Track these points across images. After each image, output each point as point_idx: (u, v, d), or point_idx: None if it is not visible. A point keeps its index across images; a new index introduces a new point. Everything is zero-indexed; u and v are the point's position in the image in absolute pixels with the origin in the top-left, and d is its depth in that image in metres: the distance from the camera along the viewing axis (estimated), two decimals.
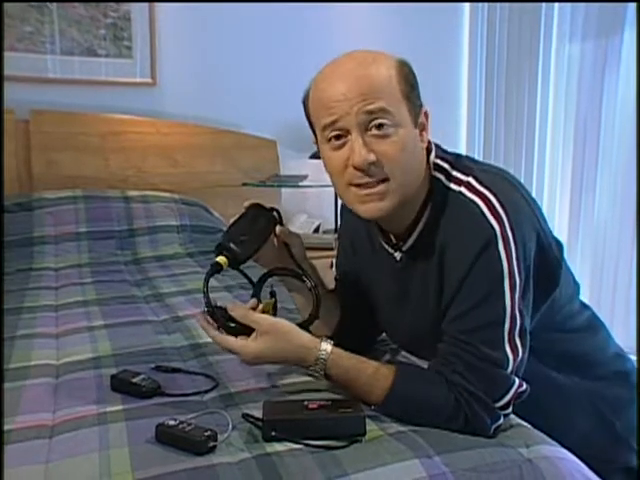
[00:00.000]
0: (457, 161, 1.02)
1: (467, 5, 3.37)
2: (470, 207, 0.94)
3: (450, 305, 0.96)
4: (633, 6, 2.47)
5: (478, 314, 0.92)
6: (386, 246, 1.09)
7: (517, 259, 0.92)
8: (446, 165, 1.01)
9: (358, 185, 0.95)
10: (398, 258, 1.07)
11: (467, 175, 0.98)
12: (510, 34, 3.12)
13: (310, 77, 1.00)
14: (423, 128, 0.99)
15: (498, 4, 3.16)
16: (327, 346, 0.97)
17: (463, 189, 0.97)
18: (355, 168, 0.93)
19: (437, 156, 1.02)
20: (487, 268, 0.91)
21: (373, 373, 0.96)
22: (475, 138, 3.38)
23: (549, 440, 0.92)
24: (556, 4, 2.87)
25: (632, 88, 2.49)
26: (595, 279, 2.71)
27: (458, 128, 3.41)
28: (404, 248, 1.05)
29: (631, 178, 2.49)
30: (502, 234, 0.91)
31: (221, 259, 1.00)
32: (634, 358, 1.32)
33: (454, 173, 1.00)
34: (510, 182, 1.00)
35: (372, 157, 0.92)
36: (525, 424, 0.97)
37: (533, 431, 0.95)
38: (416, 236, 1.02)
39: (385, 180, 0.94)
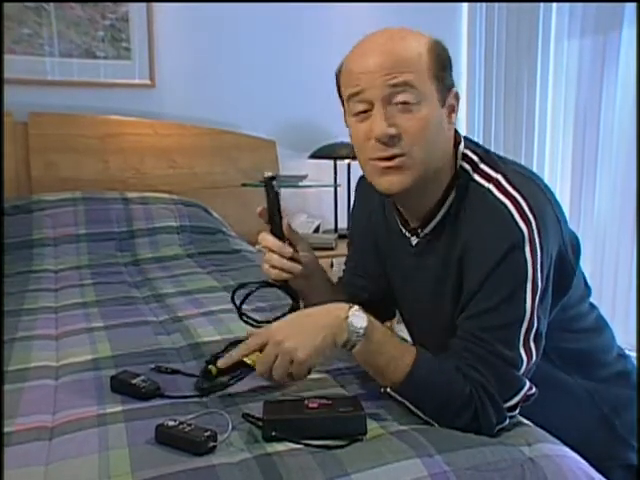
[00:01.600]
0: (486, 155, 1.02)
1: (465, 5, 3.37)
2: (499, 208, 0.93)
3: (469, 302, 0.95)
4: (632, 3, 2.47)
5: (497, 314, 0.92)
6: (403, 230, 1.09)
7: (541, 265, 0.92)
8: (475, 157, 1.01)
9: (379, 159, 0.95)
10: (414, 243, 1.07)
11: (496, 172, 0.98)
12: (508, 33, 3.11)
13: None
14: (452, 110, 0.99)
15: (496, 4, 3.16)
16: (356, 306, 0.95)
17: (492, 187, 0.96)
18: (376, 140, 0.94)
19: (466, 147, 1.03)
20: (512, 270, 0.91)
21: (400, 346, 0.94)
22: (474, 137, 3.36)
23: (551, 438, 0.92)
24: (554, 4, 2.86)
25: (631, 85, 2.48)
26: (595, 277, 2.70)
27: (457, 127, 3.40)
28: (422, 234, 1.05)
29: (631, 175, 2.48)
30: (530, 238, 0.91)
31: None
32: (634, 355, 1.32)
33: (482, 166, 1.00)
34: (539, 186, 0.99)
35: (392, 130, 0.93)
36: (527, 422, 0.96)
37: (535, 429, 0.94)
38: (435, 223, 1.02)
39: (404, 154, 0.94)
